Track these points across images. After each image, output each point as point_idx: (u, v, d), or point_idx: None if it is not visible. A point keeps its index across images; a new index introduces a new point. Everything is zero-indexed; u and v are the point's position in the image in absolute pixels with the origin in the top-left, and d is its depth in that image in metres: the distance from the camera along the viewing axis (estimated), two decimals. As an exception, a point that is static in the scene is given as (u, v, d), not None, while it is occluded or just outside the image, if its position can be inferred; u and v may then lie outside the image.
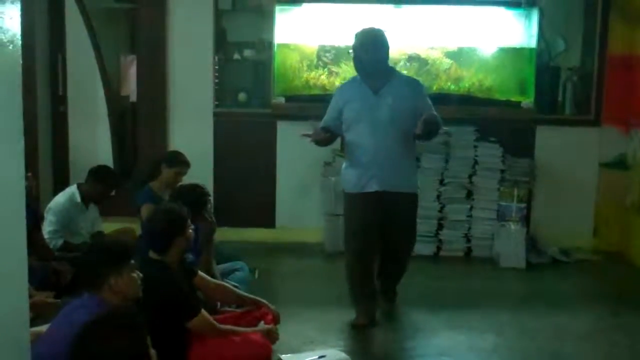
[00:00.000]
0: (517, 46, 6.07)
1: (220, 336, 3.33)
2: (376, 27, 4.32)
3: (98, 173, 5.05)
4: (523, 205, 5.85)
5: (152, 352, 2.29)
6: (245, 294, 3.88)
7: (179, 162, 5.12)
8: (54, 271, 4.30)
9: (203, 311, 3.32)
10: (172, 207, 3.47)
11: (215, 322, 3.36)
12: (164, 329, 3.05)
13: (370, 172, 4.23)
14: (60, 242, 4.85)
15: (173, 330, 3.19)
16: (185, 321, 3.23)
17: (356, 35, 4.30)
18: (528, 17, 6.00)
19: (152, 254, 3.32)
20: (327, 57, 6.09)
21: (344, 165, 4.47)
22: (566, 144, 6.17)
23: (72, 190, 5.06)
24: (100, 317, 2.29)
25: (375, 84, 4.24)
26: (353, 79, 4.41)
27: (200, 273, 3.68)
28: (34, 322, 2.71)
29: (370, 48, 4.21)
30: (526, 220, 5.93)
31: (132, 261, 2.78)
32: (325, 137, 4.26)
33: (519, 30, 6.03)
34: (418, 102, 4.24)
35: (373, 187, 4.23)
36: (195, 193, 4.15)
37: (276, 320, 3.74)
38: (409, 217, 4.43)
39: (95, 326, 2.23)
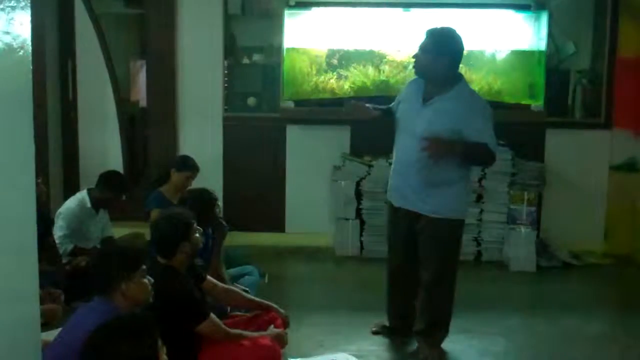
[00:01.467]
0: (527, 49, 6.06)
1: (230, 340, 3.33)
2: (448, 26, 3.77)
3: (108, 179, 5.06)
4: (533, 208, 5.83)
5: (164, 358, 2.29)
6: (255, 298, 3.88)
7: (189, 166, 5.13)
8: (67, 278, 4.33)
9: (212, 315, 3.31)
10: (177, 212, 3.46)
11: (224, 326, 3.36)
12: (173, 333, 3.04)
13: (395, 184, 3.90)
14: (70, 247, 4.86)
15: (182, 335, 3.19)
16: (194, 325, 3.23)
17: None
18: (537, 20, 5.99)
19: (160, 259, 3.33)
20: (336, 61, 6.09)
21: None
22: (576, 147, 6.15)
23: (82, 195, 5.08)
24: (110, 321, 2.30)
25: (430, 91, 3.72)
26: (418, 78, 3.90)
27: (209, 277, 3.68)
28: (44, 327, 2.72)
29: (427, 48, 3.70)
30: (536, 223, 5.91)
31: (144, 267, 2.78)
32: (366, 112, 3.90)
33: (528, 33, 6.02)
34: (464, 125, 3.63)
35: (395, 201, 3.92)
36: (203, 197, 4.16)
37: (286, 324, 3.74)
38: (431, 246, 3.83)
39: (105, 330, 2.24)
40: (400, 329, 4.17)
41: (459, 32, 3.70)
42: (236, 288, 4.02)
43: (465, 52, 3.67)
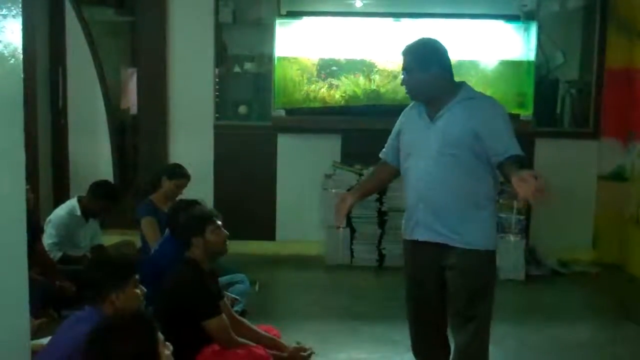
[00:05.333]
0: (516, 59, 6.10)
1: (232, 345, 3.35)
2: (420, 37, 3.30)
3: (98, 188, 5.05)
4: (522, 217, 5.85)
5: (167, 353, 2.30)
6: (261, 331, 3.70)
7: (180, 174, 5.13)
8: (59, 288, 4.33)
9: (223, 315, 3.35)
10: (197, 207, 3.60)
11: (231, 330, 3.39)
12: (180, 326, 3.12)
13: (416, 216, 3.22)
14: (59, 254, 4.85)
15: (188, 330, 3.23)
16: (203, 319, 3.27)
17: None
18: (527, 30, 6.03)
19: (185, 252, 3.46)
20: (327, 70, 6.12)
21: None
22: (565, 157, 6.19)
23: (72, 203, 5.07)
24: (110, 320, 2.32)
25: (434, 108, 3.18)
26: (415, 103, 3.34)
27: (225, 300, 3.67)
28: (34, 335, 2.71)
29: (410, 67, 3.22)
30: (525, 232, 5.93)
31: (136, 276, 2.78)
32: (345, 204, 3.30)
33: (517, 44, 6.06)
34: (481, 126, 3.07)
35: (419, 235, 3.23)
36: (194, 208, 4.15)
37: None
38: (466, 285, 3.17)
39: (104, 328, 2.25)
40: None
41: (433, 38, 3.31)
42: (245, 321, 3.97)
43: (454, 62, 3.39)
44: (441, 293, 3.24)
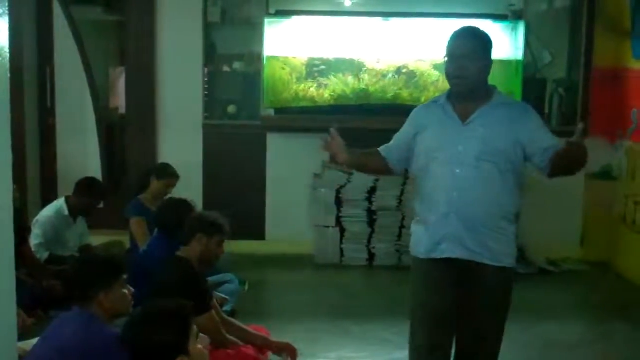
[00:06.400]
0: (504, 58, 6.10)
1: (222, 343, 3.36)
2: (475, 27, 3.07)
3: (85, 185, 5.05)
4: (511, 216, 5.87)
5: (200, 347, 2.45)
6: (253, 331, 3.68)
7: (169, 174, 5.12)
8: (47, 288, 4.30)
9: (213, 312, 3.36)
10: (214, 215, 3.65)
11: (221, 328, 3.40)
12: None
13: (445, 231, 2.89)
14: (45, 255, 4.83)
15: None
16: (194, 315, 3.28)
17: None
18: (514, 29, 6.05)
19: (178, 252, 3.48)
20: (317, 69, 6.12)
21: (414, 220, 3.11)
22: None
23: (59, 203, 5.05)
24: (145, 309, 2.49)
25: (466, 108, 2.91)
26: (437, 99, 3.05)
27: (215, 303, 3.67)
28: (22, 336, 2.70)
29: (455, 55, 2.91)
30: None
31: (125, 276, 2.78)
32: (340, 150, 3.04)
33: (505, 43, 6.07)
34: (525, 134, 2.88)
35: (446, 252, 2.91)
36: (182, 208, 4.14)
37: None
38: (493, 305, 3.01)
39: (140, 317, 2.45)
40: None
41: None
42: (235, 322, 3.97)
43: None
44: (453, 316, 3.00)
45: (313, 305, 5.07)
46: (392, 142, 3.13)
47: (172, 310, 2.42)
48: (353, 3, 6.28)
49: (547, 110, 6.32)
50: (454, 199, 2.86)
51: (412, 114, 3.10)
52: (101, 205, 5.27)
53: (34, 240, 4.82)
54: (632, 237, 5.69)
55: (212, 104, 6.32)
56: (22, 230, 4.22)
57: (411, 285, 3.08)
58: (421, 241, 2.99)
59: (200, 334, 2.43)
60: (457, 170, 2.86)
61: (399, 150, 3.09)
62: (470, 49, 2.90)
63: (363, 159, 3.19)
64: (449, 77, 2.94)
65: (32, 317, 4.03)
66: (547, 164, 2.87)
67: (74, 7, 6.28)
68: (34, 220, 5.01)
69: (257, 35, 6.06)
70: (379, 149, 3.14)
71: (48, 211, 5.03)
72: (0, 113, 2.03)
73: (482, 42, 2.96)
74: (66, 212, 4.99)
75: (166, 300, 2.61)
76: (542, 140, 2.90)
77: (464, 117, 2.91)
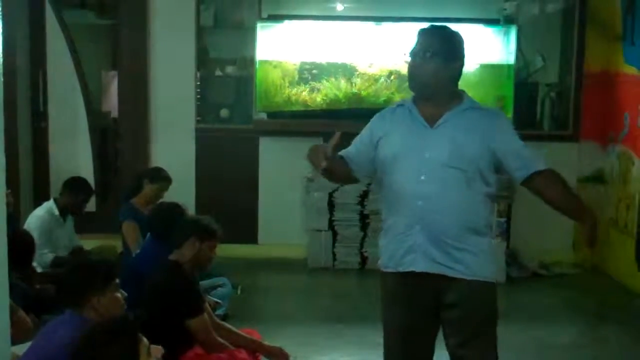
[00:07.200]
0: (496, 63, 6.14)
1: (213, 345, 3.35)
2: (444, 25, 2.84)
3: (72, 184, 5.10)
4: (503, 219, 5.89)
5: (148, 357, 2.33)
6: (245, 335, 3.66)
7: (162, 178, 5.12)
8: (39, 292, 4.28)
9: (205, 315, 3.36)
10: (208, 219, 3.65)
11: (213, 331, 3.40)
12: (162, 329, 3.13)
13: (409, 242, 2.70)
14: (50, 257, 4.80)
15: (171, 333, 3.23)
16: (186, 318, 3.28)
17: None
18: (506, 34, 6.08)
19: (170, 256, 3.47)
20: (309, 73, 6.12)
21: (381, 232, 2.90)
22: (545, 159, 6.22)
23: (49, 204, 5.05)
24: (96, 325, 2.37)
25: (432, 112, 2.73)
26: (402, 102, 2.86)
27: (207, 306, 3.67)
28: (14, 341, 2.69)
29: (412, 53, 2.76)
30: (506, 234, 5.97)
31: (117, 280, 2.77)
32: (319, 157, 2.66)
33: (497, 47, 6.10)
34: (496, 142, 2.71)
35: (411, 265, 2.70)
36: (174, 212, 4.14)
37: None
38: (474, 321, 2.77)
39: (92, 333, 2.30)
40: None
41: None
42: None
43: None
44: (433, 338, 2.83)
45: (305, 308, 5.07)
46: (350, 147, 2.88)
47: (118, 327, 2.34)
48: (345, 8, 6.29)
49: (538, 114, 6.35)
50: (418, 208, 2.66)
51: (376, 117, 2.89)
52: (93, 209, 5.26)
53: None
54: (623, 240, 5.71)
55: (204, 107, 6.32)
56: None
57: (381, 302, 2.87)
58: (385, 252, 2.80)
59: (153, 345, 2.38)
60: (422, 177, 2.66)
61: (360, 156, 2.83)
62: (426, 47, 2.70)
63: (340, 166, 2.85)
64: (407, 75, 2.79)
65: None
66: (520, 182, 2.77)
67: (66, 11, 6.28)
68: (25, 224, 4.99)
69: (250, 39, 6.06)
70: (341, 152, 2.83)
71: (39, 212, 5.01)
72: (-7, 117, 2.03)
73: (447, 40, 2.74)
74: (56, 212, 4.99)
75: (111, 317, 2.55)
76: (513, 143, 2.76)
77: (431, 121, 2.72)
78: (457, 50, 2.75)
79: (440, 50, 2.70)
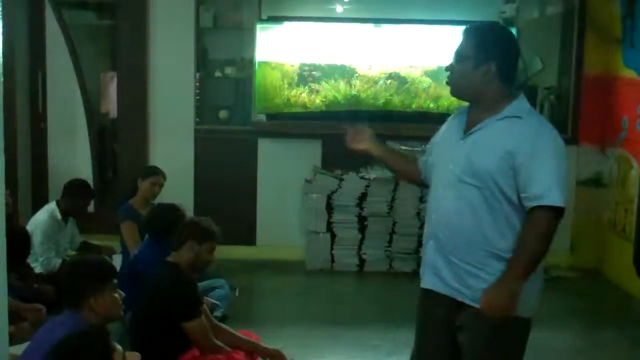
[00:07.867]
0: (495, 65, 6.13)
1: (210, 348, 3.35)
2: (482, 22, 2.76)
3: (73, 187, 5.06)
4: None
5: None
6: (243, 337, 3.67)
7: (151, 172, 5.14)
8: (37, 292, 4.28)
9: (202, 318, 3.36)
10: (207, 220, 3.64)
11: (210, 334, 3.39)
12: (160, 331, 3.18)
13: (426, 256, 2.61)
14: (58, 262, 4.74)
15: (168, 334, 3.23)
16: (184, 320, 3.27)
17: None
18: (506, 37, 6.07)
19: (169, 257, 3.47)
20: (308, 75, 6.13)
21: None
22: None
23: (51, 207, 5.03)
24: (67, 337, 2.31)
25: (474, 119, 2.52)
26: (464, 108, 2.66)
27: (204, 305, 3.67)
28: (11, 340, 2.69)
29: (465, 53, 2.53)
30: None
31: (115, 280, 2.77)
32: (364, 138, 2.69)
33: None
34: (516, 158, 2.40)
35: (426, 283, 2.62)
36: (172, 214, 4.13)
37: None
38: (473, 356, 2.56)
39: (64, 343, 2.26)
40: None
41: (505, 26, 2.51)
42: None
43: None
44: (449, 357, 2.62)
45: (303, 310, 5.07)
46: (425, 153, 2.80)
47: (90, 337, 2.31)
48: (345, 9, 6.30)
49: (537, 117, 6.34)
50: (432, 221, 2.55)
51: (444, 124, 2.73)
52: (92, 210, 5.26)
53: (39, 248, 4.73)
54: (621, 244, 5.72)
55: (203, 109, 6.32)
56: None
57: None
58: (421, 267, 2.68)
59: (129, 352, 2.36)
60: (441, 191, 2.53)
61: (426, 162, 2.73)
62: (458, 47, 2.53)
63: (398, 159, 2.89)
64: None
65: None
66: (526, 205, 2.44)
67: (66, 11, 6.28)
68: (28, 228, 4.96)
69: (249, 40, 6.06)
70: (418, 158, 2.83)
71: (42, 215, 4.98)
72: (-8, 117, 2.03)
73: (477, 40, 2.50)
74: (59, 216, 4.97)
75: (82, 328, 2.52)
76: (531, 163, 2.40)
77: (469, 129, 2.51)
78: (489, 49, 2.48)
79: (467, 52, 2.50)
